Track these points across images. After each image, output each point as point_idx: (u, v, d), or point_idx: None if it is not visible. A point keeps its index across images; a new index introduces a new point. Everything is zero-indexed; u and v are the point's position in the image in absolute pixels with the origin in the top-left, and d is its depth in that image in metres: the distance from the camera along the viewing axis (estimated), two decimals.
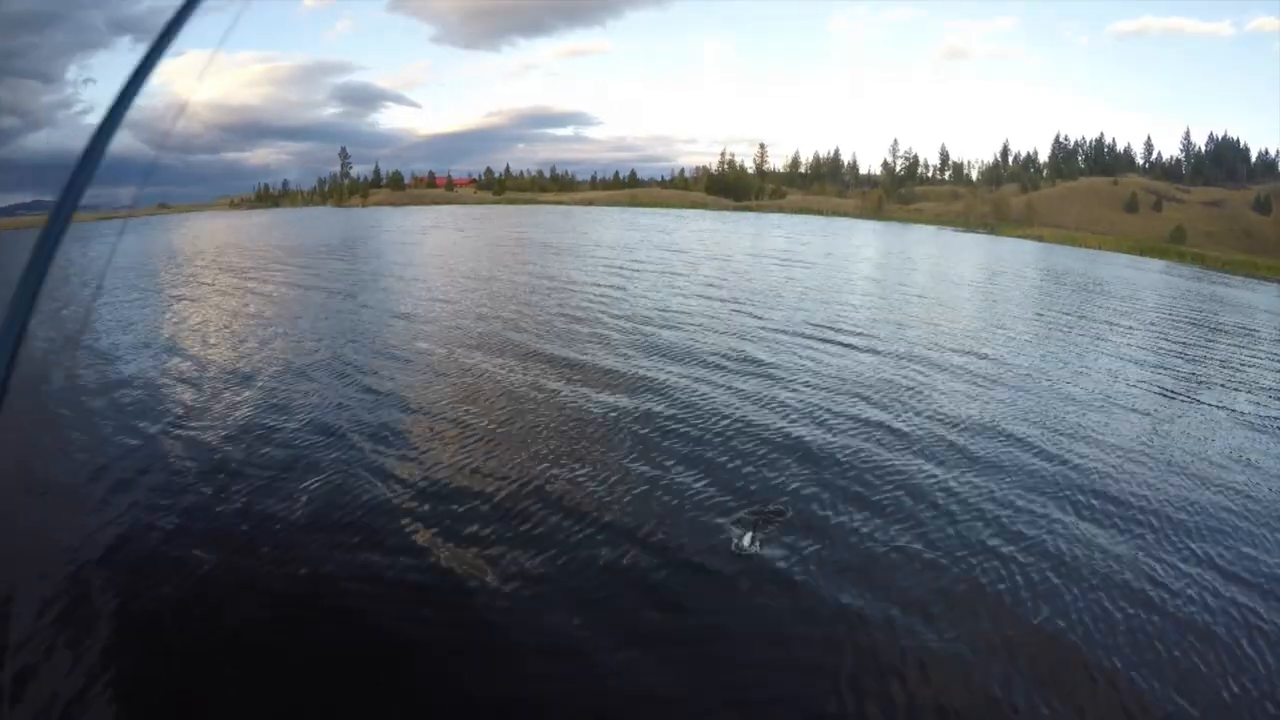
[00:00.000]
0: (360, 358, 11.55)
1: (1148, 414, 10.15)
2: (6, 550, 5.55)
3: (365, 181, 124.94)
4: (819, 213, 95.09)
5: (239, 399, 9.37)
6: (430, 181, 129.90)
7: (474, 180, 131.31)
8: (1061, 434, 8.87)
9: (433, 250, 33.78)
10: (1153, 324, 19.55)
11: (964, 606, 5.13)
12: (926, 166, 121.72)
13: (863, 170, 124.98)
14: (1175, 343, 16.50)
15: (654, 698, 4.20)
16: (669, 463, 7.37)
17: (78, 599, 4.88)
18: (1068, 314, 20.11)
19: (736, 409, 9.11)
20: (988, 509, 6.61)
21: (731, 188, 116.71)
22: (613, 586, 5.25)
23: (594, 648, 4.56)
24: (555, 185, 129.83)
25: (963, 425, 8.95)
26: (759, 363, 11.58)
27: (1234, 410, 10.78)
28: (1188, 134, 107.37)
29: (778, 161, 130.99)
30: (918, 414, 9.29)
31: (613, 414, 8.82)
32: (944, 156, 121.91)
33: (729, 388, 10.05)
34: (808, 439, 8.17)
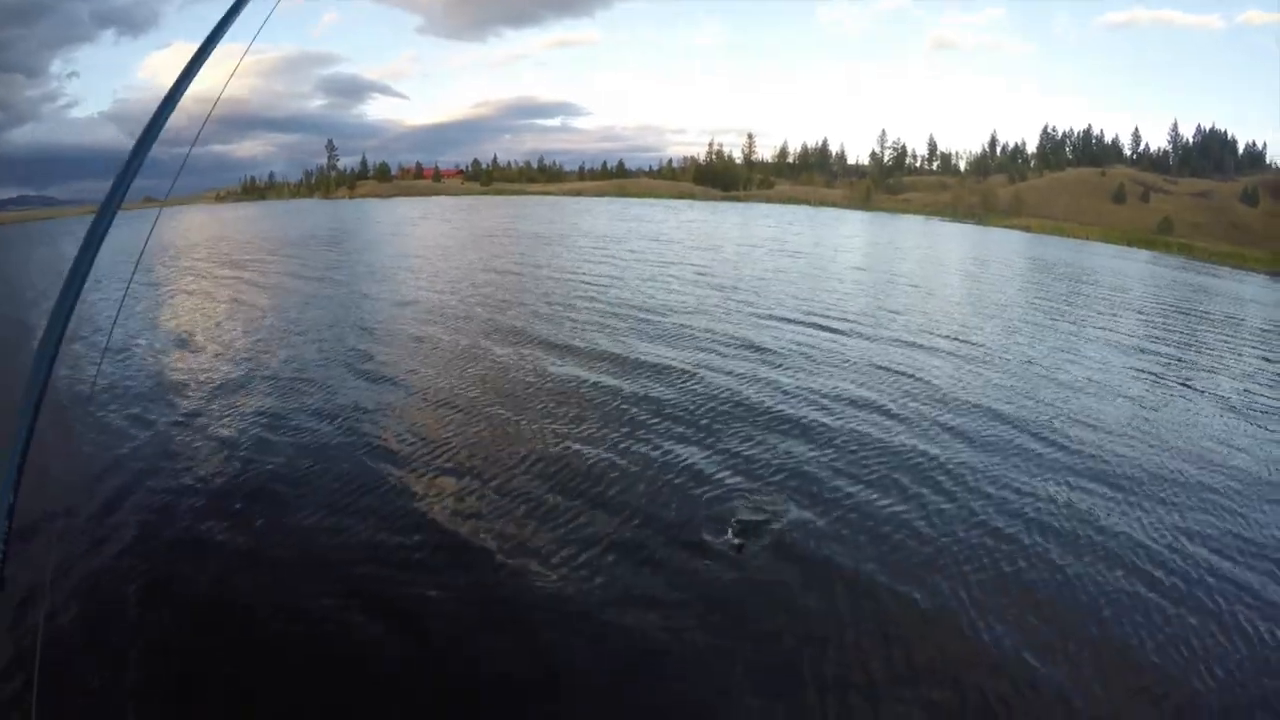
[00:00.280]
0: (361, 344, 11.61)
1: (1133, 398, 10.20)
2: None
3: (352, 173, 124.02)
4: (806, 202, 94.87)
5: (244, 387, 9.38)
6: (417, 173, 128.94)
7: (461, 171, 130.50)
8: (1050, 414, 8.93)
9: (425, 242, 33.59)
10: (1140, 312, 19.67)
11: (955, 573, 5.25)
12: (915, 157, 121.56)
13: (851, 160, 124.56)
14: (1163, 330, 16.58)
15: (661, 658, 4.32)
16: (665, 440, 7.44)
17: (100, 579, 4.96)
18: (1055, 302, 20.13)
19: (730, 390, 9.17)
20: (974, 482, 6.73)
21: (720, 178, 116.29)
22: (615, 556, 5.34)
23: (602, 615, 4.65)
24: (543, 176, 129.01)
25: (949, 405, 9.02)
26: (751, 347, 11.59)
27: (1218, 394, 10.89)
28: (1175, 126, 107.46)
29: (766, 152, 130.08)
30: (907, 395, 9.34)
31: (610, 395, 8.86)
32: (932, 147, 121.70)
33: (724, 370, 10.09)
34: (801, 419, 8.21)
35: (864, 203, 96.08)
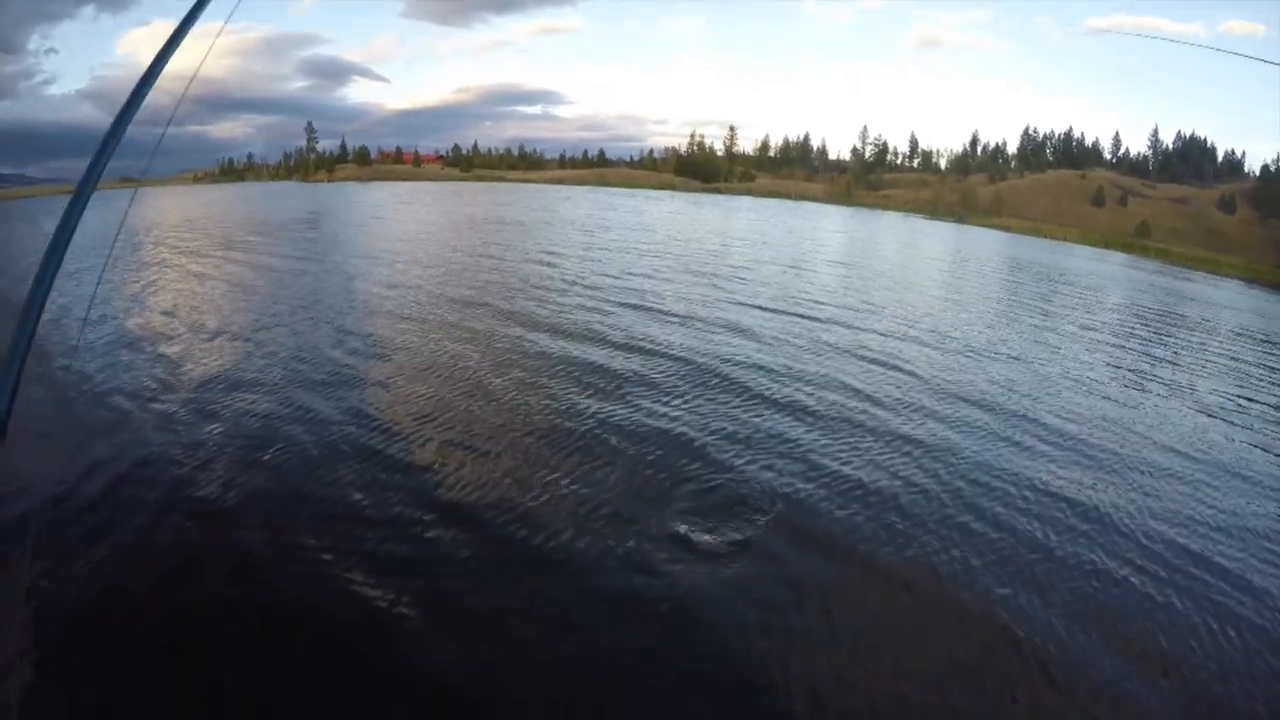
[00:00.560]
0: (344, 324, 11.33)
1: (1109, 397, 10.02)
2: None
3: (331, 156, 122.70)
4: (787, 196, 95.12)
5: (220, 371, 8.96)
6: (397, 157, 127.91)
7: (441, 157, 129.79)
8: (1023, 407, 8.83)
9: (408, 226, 33.02)
10: (1114, 311, 19.70)
11: (925, 568, 5.12)
12: (896, 154, 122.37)
13: (832, 155, 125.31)
14: (1138, 332, 16.52)
15: (628, 655, 4.13)
16: (642, 431, 7.22)
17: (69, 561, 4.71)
18: (1031, 301, 20.10)
19: (713, 376, 9.03)
20: (946, 475, 6.53)
21: (701, 169, 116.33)
22: (588, 549, 5.13)
23: (570, 608, 4.48)
24: (523, 163, 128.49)
25: (924, 395, 8.88)
26: (734, 332, 11.49)
27: (1189, 391, 10.94)
28: (1156, 131, 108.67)
29: (747, 145, 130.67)
30: (882, 381, 9.26)
31: (581, 393, 8.46)
32: (913, 144, 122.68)
33: (711, 355, 9.96)
34: (781, 405, 8.08)
35: (844, 198, 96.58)
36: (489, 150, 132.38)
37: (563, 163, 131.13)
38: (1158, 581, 5.10)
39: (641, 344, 10.49)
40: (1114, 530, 5.85)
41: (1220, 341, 17.00)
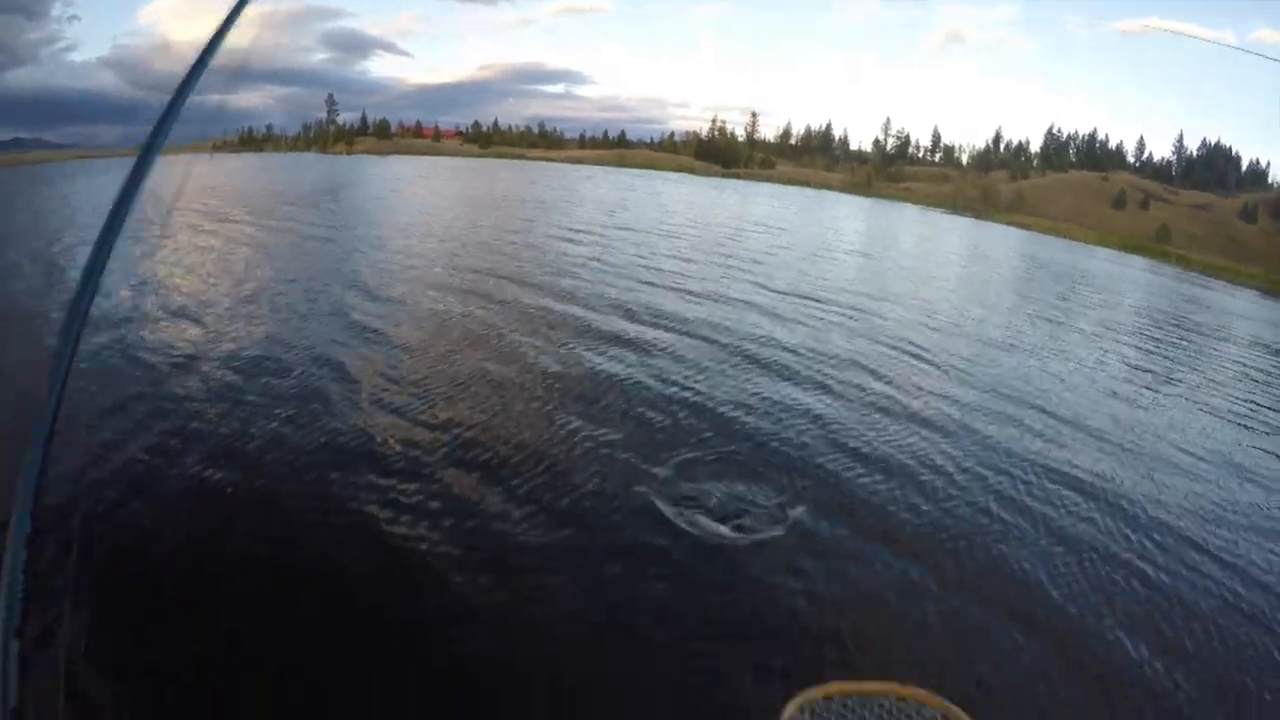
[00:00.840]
0: (364, 300, 11.41)
1: (1124, 399, 10.23)
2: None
3: (351, 129, 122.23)
4: (807, 184, 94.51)
5: (245, 336, 9.21)
6: (417, 132, 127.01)
7: (461, 133, 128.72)
8: (1037, 409, 8.91)
9: (430, 203, 33.36)
10: (1135, 315, 19.81)
11: (933, 536, 5.36)
12: (917, 147, 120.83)
13: (853, 146, 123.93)
14: (1155, 338, 16.62)
15: (654, 606, 4.34)
16: (648, 409, 7.35)
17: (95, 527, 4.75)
18: (1051, 301, 20.24)
19: (715, 361, 9.15)
20: (949, 467, 6.67)
21: (721, 154, 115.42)
22: (608, 506, 5.36)
23: (598, 562, 4.69)
24: (543, 142, 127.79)
25: (934, 391, 9.03)
26: (754, 310, 11.75)
27: (1202, 400, 10.97)
28: (1181, 137, 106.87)
29: (769, 132, 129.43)
30: (897, 371, 9.55)
31: (601, 361, 8.76)
32: (935, 138, 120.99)
33: (717, 342, 10.05)
34: (786, 393, 8.20)
35: (865, 189, 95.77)
36: (510, 127, 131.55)
37: (583, 142, 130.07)
38: (1165, 570, 5.34)
39: (666, 322, 10.80)
40: (1121, 516, 6.09)
41: (1237, 351, 17.01)
